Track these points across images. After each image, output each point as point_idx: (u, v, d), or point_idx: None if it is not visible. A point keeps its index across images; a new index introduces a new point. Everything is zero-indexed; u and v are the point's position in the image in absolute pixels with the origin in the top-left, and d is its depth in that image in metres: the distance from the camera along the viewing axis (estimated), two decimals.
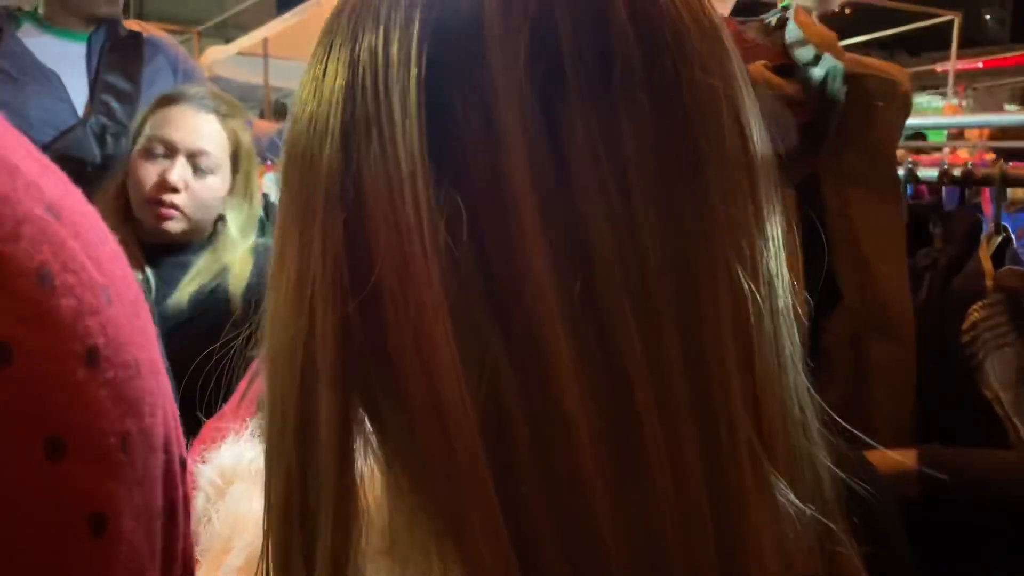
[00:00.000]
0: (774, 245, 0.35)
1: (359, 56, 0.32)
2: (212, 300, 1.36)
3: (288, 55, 4.59)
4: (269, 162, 2.37)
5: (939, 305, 0.97)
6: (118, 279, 0.24)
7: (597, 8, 0.32)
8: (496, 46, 0.31)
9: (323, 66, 0.34)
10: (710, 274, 0.32)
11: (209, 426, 0.53)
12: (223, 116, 1.40)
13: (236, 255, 1.40)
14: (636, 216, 0.31)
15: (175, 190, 1.34)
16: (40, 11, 1.83)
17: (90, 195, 0.25)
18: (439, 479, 0.31)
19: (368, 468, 0.33)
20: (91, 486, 0.21)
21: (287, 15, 4.66)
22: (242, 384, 0.45)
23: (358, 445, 0.33)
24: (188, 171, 1.36)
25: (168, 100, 1.41)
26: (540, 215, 0.30)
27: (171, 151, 1.36)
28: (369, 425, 0.33)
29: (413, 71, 0.31)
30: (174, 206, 1.35)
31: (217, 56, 5.36)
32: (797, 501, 0.34)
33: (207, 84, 1.84)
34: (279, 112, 5.18)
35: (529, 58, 0.31)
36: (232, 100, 1.45)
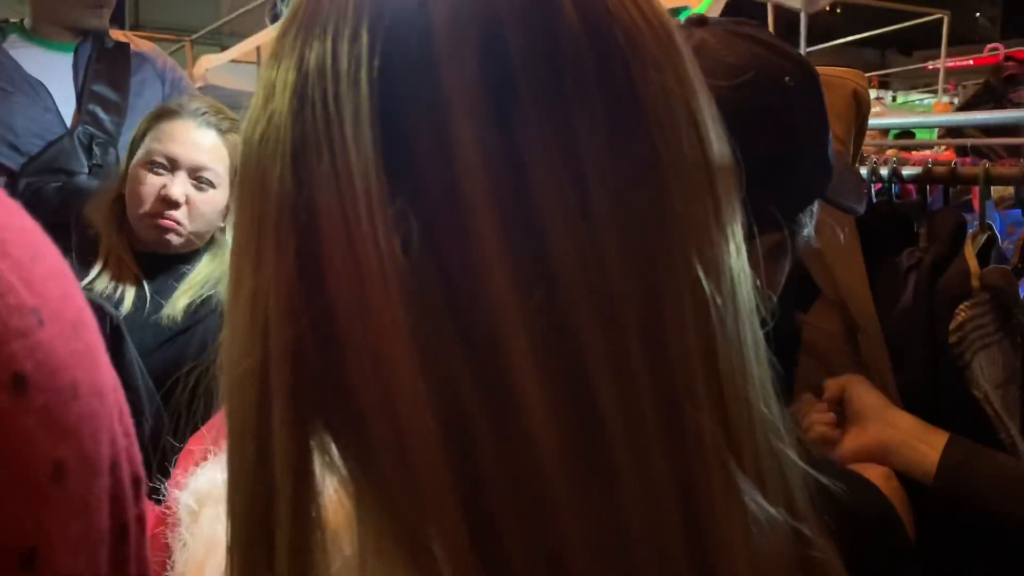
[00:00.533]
0: (735, 243, 0.35)
1: (307, 73, 0.32)
2: (207, 310, 1.35)
3: None
4: None
5: (925, 305, 0.96)
6: (54, 299, 0.24)
7: (546, 13, 0.31)
8: (446, 56, 0.30)
9: (272, 85, 0.33)
10: (671, 277, 0.32)
11: (186, 448, 0.52)
12: (223, 132, 1.39)
13: None
14: (595, 221, 0.30)
15: (176, 205, 1.34)
16: (27, 22, 1.83)
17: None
18: (402, 500, 0.30)
19: (336, 486, 0.33)
20: (19, 521, 0.20)
21: (280, 23, 4.64)
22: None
23: (326, 462, 0.32)
24: (189, 186, 1.36)
25: (169, 113, 1.40)
26: (498, 224, 0.29)
27: (172, 165, 1.36)
28: (334, 445, 0.33)
29: (364, 86, 0.30)
30: (174, 220, 1.34)
31: (210, 64, 5.36)
32: (767, 505, 0.33)
33: (195, 94, 1.84)
34: None
35: (480, 66, 0.30)
36: (232, 115, 1.44)
